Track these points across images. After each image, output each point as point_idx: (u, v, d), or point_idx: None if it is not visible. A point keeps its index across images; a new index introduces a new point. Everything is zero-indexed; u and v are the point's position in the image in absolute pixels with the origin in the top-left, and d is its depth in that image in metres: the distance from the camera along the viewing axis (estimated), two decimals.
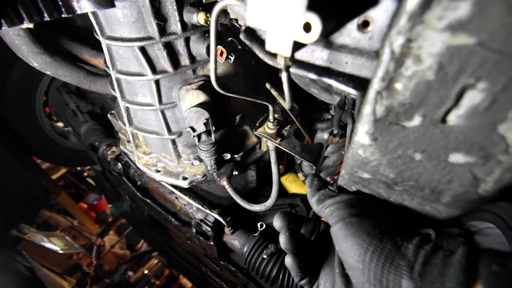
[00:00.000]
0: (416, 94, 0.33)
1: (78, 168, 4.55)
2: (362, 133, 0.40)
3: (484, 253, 0.35)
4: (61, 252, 3.02)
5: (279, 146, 0.84)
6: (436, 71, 0.31)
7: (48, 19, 0.69)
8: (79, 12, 0.72)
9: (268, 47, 0.39)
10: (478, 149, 0.34)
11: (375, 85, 0.35)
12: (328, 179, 1.48)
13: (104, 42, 0.85)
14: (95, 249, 3.49)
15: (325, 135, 1.49)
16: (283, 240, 0.54)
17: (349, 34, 0.40)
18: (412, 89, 0.33)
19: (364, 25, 0.38)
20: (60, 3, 0.69)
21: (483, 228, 1.34)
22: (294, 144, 0.84)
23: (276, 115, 1.00)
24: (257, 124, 0.86)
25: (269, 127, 0.85)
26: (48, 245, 2.92)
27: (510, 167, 0.33)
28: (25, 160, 2.10)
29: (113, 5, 0.73)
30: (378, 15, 0.37)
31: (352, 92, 0.43)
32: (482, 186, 0.36)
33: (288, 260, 0.54)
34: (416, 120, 0.35)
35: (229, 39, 0.81)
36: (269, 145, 0.88)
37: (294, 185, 1.69)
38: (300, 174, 1.66)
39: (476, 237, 1.38)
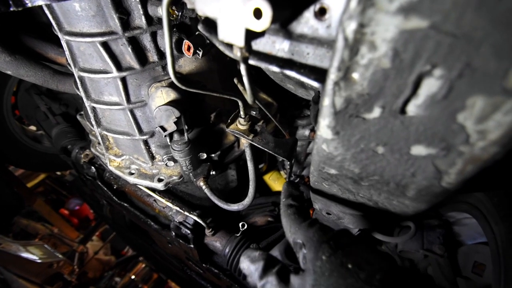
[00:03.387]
0: (374, 84, 0.31)
1: (58, 173, 4.37)
2: (324, 127, 0.38)
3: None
4: (39, 261, 2.88)
5: (252, 143, 0.82)
6: (391, 58, 0.29)
7: None
8: (30, 5, 0.67)
9: (220, 36, 0.36)
10: (439, 140, 0.32)
11: (332, 75, 0.33)
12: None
13: (63, 38, 0.79)
14: (77, 256, 3.36)
15: (306, 132, 1.48)
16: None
17: (306, 22, 0.38)
18: (369, 78, 0.31)
19: (321, 12, 0.36)
20: None
21: (460, 219, 1.37)
22: (268, 139, 0.81)
23: (254, 112, 0.97)
24: (229, 121, 0.83)
25: (241, 123, 0.82)
26: (25, 254, 2.78)
27: (471, 158, 0.32)
28: None
29: None
30: (334, 2, 0.35)
31: (314, 84, 0.41)
32: (445, 179, 0.34)
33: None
34: (376, 112, 0.33)
35: (196, 32, 0.77)
36: (243, 142, 0.85)
37: (278, 182, 1.67)
38: (282, 172, 1.64)
39: (455, 228, 1.41)
